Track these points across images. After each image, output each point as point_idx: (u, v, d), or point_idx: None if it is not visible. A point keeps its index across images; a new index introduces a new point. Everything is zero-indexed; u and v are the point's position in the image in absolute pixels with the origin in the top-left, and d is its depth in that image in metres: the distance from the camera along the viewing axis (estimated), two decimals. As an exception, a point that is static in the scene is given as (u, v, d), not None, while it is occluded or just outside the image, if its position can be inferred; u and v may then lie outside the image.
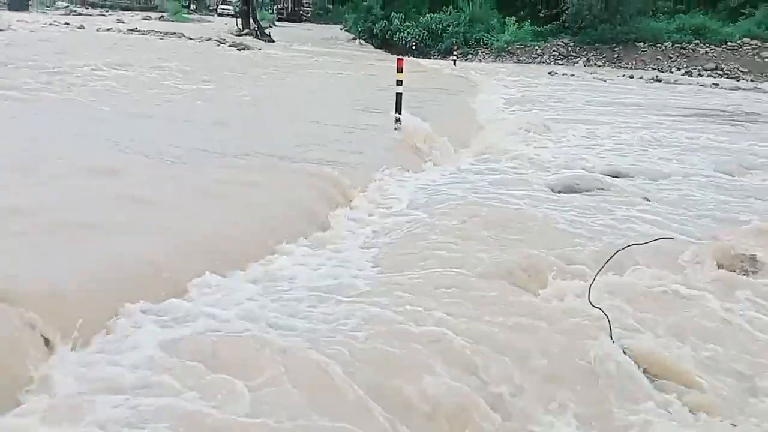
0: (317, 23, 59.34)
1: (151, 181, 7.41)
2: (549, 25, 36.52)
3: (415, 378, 3.90)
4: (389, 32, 38.80)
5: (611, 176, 9.93)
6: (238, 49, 30.61)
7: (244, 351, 4.04)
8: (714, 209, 8.43)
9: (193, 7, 65.42)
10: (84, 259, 4.92)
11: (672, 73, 30.98)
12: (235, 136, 10.39)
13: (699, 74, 30.57)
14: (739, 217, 8.07)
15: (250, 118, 12.56)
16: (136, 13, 58.64)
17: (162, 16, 53.76)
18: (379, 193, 8.22)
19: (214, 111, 13.03)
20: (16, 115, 10.74)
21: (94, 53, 21.38)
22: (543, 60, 34.40)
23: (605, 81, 27.47)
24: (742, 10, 34.43)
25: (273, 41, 38.38)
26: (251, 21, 41.11)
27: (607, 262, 5.58)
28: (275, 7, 62.59)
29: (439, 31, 37.29)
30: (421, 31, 37.63)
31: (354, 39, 42.68)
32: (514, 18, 37.20)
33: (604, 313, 4.76)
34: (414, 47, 36.90)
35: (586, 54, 34.34)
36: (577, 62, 33.70)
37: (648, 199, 8.75)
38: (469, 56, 35.55)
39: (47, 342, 3.87)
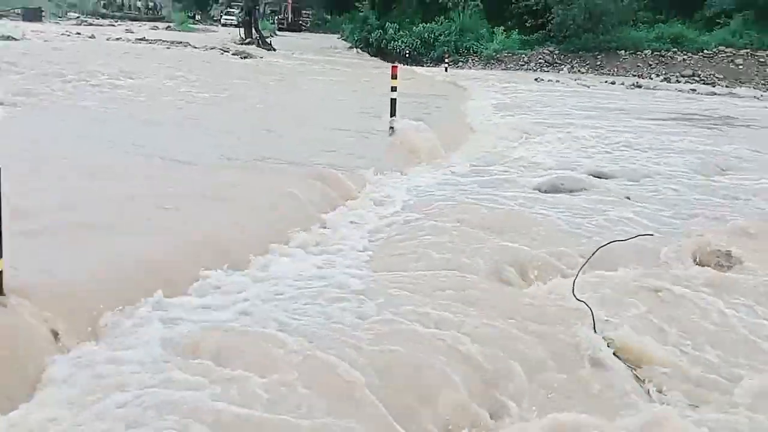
0: (316, 33, 59.31)
1: (162, 182, 7.41)
2: (535, 34, 36.51)
3: (412, 363, 3.93)
4: (384, 41, 38.79)
5: (595, 177, 9.94)
6: (241, 58, 30.56)
7: (250, 347, 4.04)
8: (692, 208, 8.44)
9: (198, 17, 65.33)
10: (93, 258, 4.92)
11: (651, 79, 30.98)
12: (240, 141, 10.37)
13: (677, 80, 30.60)
14: (715, 215, 8.09)
15: (255, 124, 12.53)
16: (144, 23, 58.57)
17: (169, 27, 53.70)
18: (374, 194, 8.21)
19: (219, 117, 13.01)
20: (30, 120, 10.71)
21: (105, 61, 21.34)
22: (530, 67, 34.38)
23: (589, 87, 27.48)
24: (717, 20, 34.46)
25: (274, 50, 38.34)
26: (253, 31, 41.06)
27: (590, 258, 5.60)
28: (276, 17, 62.52)
29: (432, 40, 37.29)
30: (414, 40, 37.62)
31: (351, 48, 42.67)
32: (502, 27, 37.20)
33: (588, 306, 4.77)
34: (407, 55, 36.87)
35: (571, 61, 34.35)
36: (562, 69, 33.71)
37: (629, 198, 8.76)
38: (460, 64, 35.54)
39: (57, 336, 3.87)
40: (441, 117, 15.33)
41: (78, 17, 61.74)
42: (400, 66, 13.39)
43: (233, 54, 31.94)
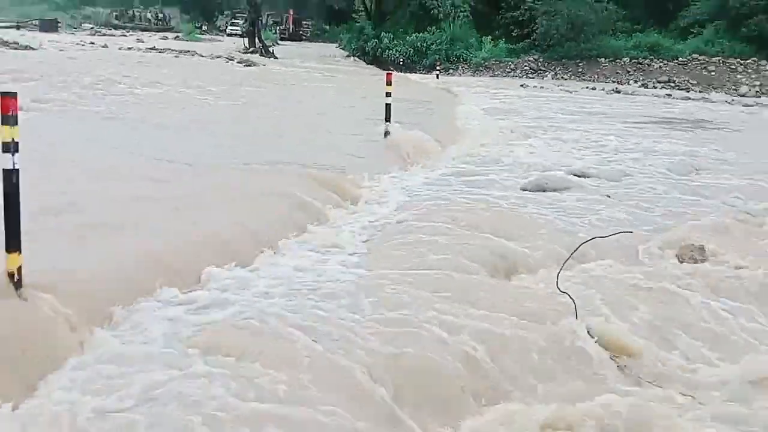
0: (315, 42, 59.14)
1: (168, 182, 7.39)
2: (521, 43, 36.57)
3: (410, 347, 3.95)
4: (379, 50, 38.77)
5: (577, 176, 9.94)
6: (246, 65, 30.47)
7: (254, 339, 4.03)
8: (668, 205, 8.45)
9: (204, 28, 65.11)
10: (104, 254, 4.90)
11: (630, 85, 31.05)
12: (242, 144, 10.34)
13: (654, 86, 30.66)
14: (690, 212, 8.10)
15: (256, 127, 12.50)
16: (154, 33, 58.33)
17: (177, 36, 53.49)
18: (369, 193, 8.18)
19: (222, 120, 12.98)
20: (47, 125, 10.66)
21: (117, 69, 21.27)
22: (516, 74, 34.42)
23: (571, 92, 27.51)
24: (691, 30, 34.57)
25: (276, 58, 38.27)
26: (257, 40, 40.97)
27: (573, 252, 5.59)
28: (278, 27, 62.32)
29: (424, 49, 37.30)
30: (407, 49, 37.63)
31: (348, 56, 42.60)
32: (490, 37, 37.25)
33: (571, 298, 4.77)
34: (401, 63, 36.87)
35: (554, 68, 34.40)
36: (546, 76, 33.74)
37: (609, 197, 8.77)
38: (451, 71, 35.56)
39: (72, 328, 3.86)
40: (433, 121, 15.33)
41: (92, 28, 61.51)
42: (394, 73, 13.34)
43: (238, 62, 31.86)
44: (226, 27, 65.00)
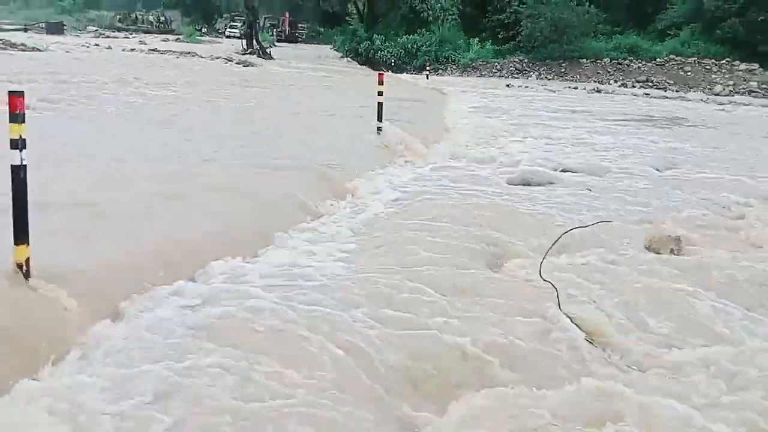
0: (310, 44, 58.92)
1: (173, 180, 7.37)
2: (506, 44, 36.57)
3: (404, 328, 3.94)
4: (372, 51, 38.68)
5: (561, 171, 9.98)
6: (244, 66, 30.36)
7: (255, 327, 4.04)
8: (646, 198, 8.48)
9: (204, 30, 64.70)
10: (111, 247, 4.90)
11: (610, 84, 31.09)
12: (241, 143, 10.30)
13: (632, 86, 30.70)
14: (667, 205, 8.14)
15: (255, 126, 12.45)
16: (156, 35, 57.98)
17: (178, 39, 53.15)
18: (362, 188, 8.18)
19: (222, 118, 12.93)
20: (55, 123, 10.61)
21: (120, 70, 21.19)
22: (502, 74, 34.40)
23: (554, 92, 27.53)
24: (668, 32, 34.65)
25: (273, 59, 38.11)
26: (254, 42, 40.79)
27: (555, 242, 5.62)
28: (275, 30, 62.01)
29: (414, 50, 37.24)
30: (399, 50, 37.56)
31: (342, 57, 42.48)
32: (477, 39, 37.23)
33: (553, 286, 4.79)
34: (393, 64, 36.80)
35: (538, 69, 34.41)
36: (530, 76, 33.75)
37: (590, 190, 8.80)
38: (440, 71, 35.52)
39: (79, 316, 3.85)
40: (423, 119, 15.32)
41: (96, 30, 61.07)
42: (386, 73, 13.33)
43: (236, 63, 31.74)
44: (225, 29, 64.66)
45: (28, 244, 3.89)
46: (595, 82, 31.75)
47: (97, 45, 38.87)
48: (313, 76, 27.55)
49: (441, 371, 3.77)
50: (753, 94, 28.48)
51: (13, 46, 30.97)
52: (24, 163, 3.83)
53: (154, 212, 5.92)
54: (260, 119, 13.35)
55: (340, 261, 5.46)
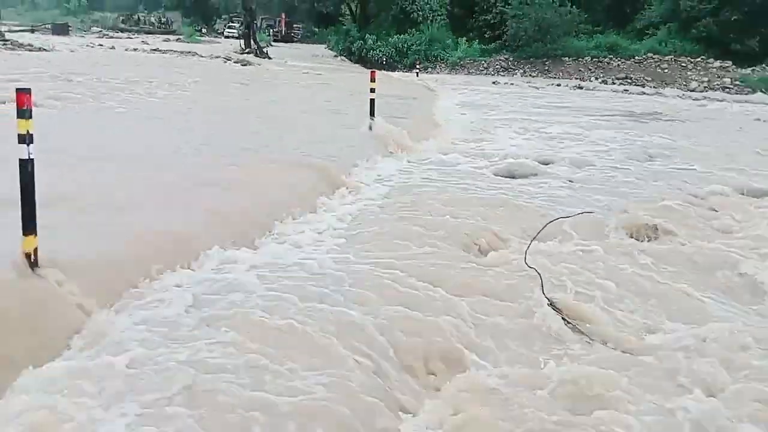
0: (306, 43, 58.60)
1: (175, 172, 7.33)
2: (493, 44, 36.49)
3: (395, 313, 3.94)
4: (364, 50, 38.52)
5: (545, 164, 9.98)
6: (242, 65, 30.19)
7: (257, 309, 4.05)
8: (625, 188, 8.52)
9: (204, 30, 64.24)
10: (117, 236, 4.87)
11: (591, 81, 31.04)
12: (244, 137, 10.26)
13: (612, 82, 30.67)
14: (645, 194, 8.17)
15: (251, 121, 12.40)
16: (157, 36, 57.53)
17: (179, 39, 52.73)
18: (355, 180, 8.15)
19: (222, 114, 12.86)
20: (61, 119, 10.54)
21: (123, 68, 21.06)
22: (488, 72, 34.33)
23: (538, 88, 27.50)
24: (646, 31, 34.65)
25: (270, 58, 37.90)
26: (252, 42, 40.57)
27: (540, 231, 5.64)
28: (271, 30, 61.67)
29: (405, 49, 37.11)
30: (390, 49, 37.42)
31: (336, 56, 42.30)
32: (465, 38, 37.12)
33: (537, 272, 4.81)
34: (384, 62, 36.66)
35: (523, 67, 34.35)
36: (516, 74, 33.68)
37: (572, 181, 8.81)
38: (429, 69, 35.40)
39: (84, 304, 3.85)
40: (414, 114, 15.25)
41: (100, 31, 60.55)
42: (378, 71, 13.27)
43: (235, 62, 31.56)
44: (224, 30, 64.25)
45: (36, 234, 3.87)
46: (577, 79, 31.70)
47: (101, 45, 38.61)
48: (309, 74, 27.43)
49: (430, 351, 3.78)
50: (726, 90, 28.52)
51: (21, 46, 30.82)
52: (31, 157, 3.81)
53: (157, 203, 5.88)
54: (257, 115, 13.29)
55: (331, 252, 5.45)
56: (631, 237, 6.25)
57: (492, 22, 36.45)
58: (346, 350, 3.63)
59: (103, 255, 4.41)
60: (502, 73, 33.87)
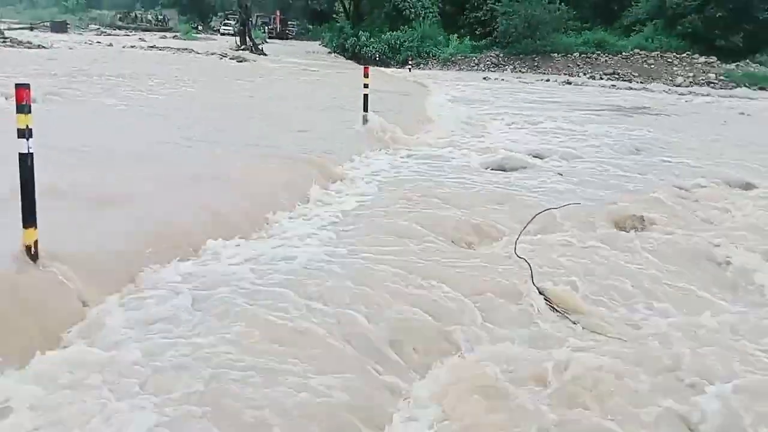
0: (300, 40, 58.40)
1: (175, 166, 7.30)
2: (483, 40, 36.46)
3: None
4: (358, 47, 38.42)
5: (534, 157, 9.98)
6: (238, 61, 30.03)
7: (257, 297, 4.05)
8: (613, 181, 8.54)
9: (200, 28, 63.91)
10: (115, 229, 4.86)
11: (579, 77, 31.05)
12: (243, 131, 10.22)
13: (600, 78, 30.70)
14: (632, 186, 8.19)
15: (248, 115, 12.36)
16: (154, 33, 57.16)
17: (175, 36, 52.44)
18: (348, 174, 8.12)
19: (221, 110, 12.81)
20: (61, 115, 10.48)
21: (121, 65, 20.96)
22: (479, 68, 34.30)
23: (528, 84, 27.49)
24: (633, 28, 34.68)
25: (266, 55, 37.72)
26: (247, 39, 40.40)
27: (529, 222, 5.66)
28: (267, 27, 61.42)
29: (398, 46, 37.03)
30: (383, 46, 37.33)
31: (330, 53, 42.18)
32: (456, 35, 37.05)
33: (527, 262, 4.82)
34: (377, 59, 36.54)
35: (513, 63, 34.32)
36: (506, 69, 33.66)
37: (561, 174, 8.83)
38: (421, 65, 35.35)
39: (84, 295, 3.84)
40: (406, 109, 15.22)
41: (98, 29, 60.12)
42: (371, 67, 13.23)
43: (230, 58, 31.39)
44: (220, 27, 63.97)
45: (36, 227, 3.86)
46: (566, 74, 31.71)
47: (99, 42, 38.35)
48: (303, 70, 27.33)
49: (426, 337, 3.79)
50: (711, 85, 28.58)
51: (20, 43, 30.61)
52: (30, 151, 3.80)
53: (154, 196, 5.86)
54: (255, 111, 13.24)
55: (324, 245, 5.44)
56: (618, 228, 6.27)
57: (482, 19, 36.42)
58: (338, 342, 3.64)
59: (102, 247, 4.40)
60: (492, 69, 33.83)
